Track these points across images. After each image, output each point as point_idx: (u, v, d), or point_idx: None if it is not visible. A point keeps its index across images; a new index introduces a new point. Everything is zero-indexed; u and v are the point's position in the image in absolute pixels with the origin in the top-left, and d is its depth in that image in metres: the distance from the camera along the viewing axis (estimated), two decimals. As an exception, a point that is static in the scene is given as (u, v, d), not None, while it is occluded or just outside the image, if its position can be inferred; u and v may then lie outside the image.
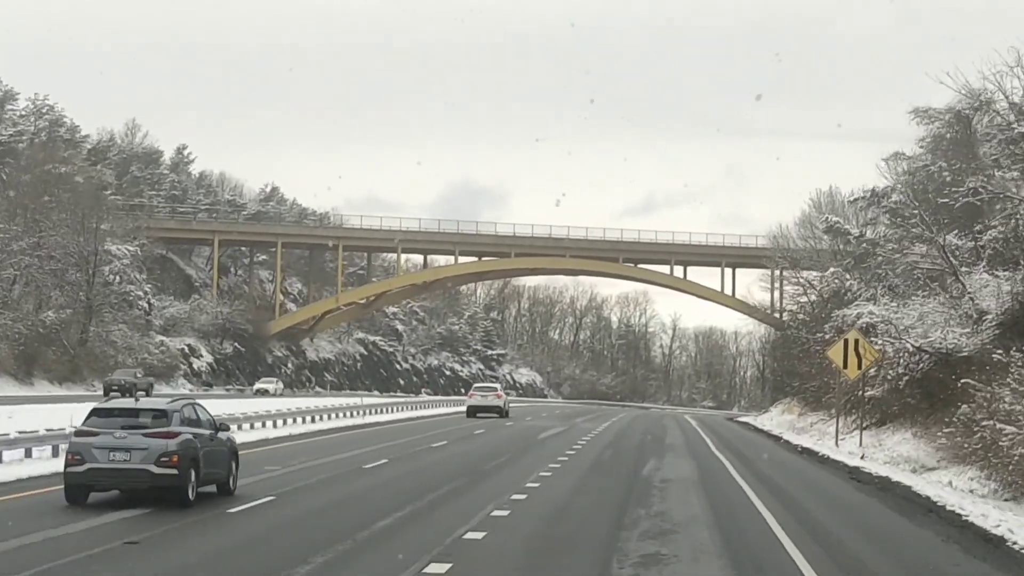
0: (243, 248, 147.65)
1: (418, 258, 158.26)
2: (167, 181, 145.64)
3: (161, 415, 24.85)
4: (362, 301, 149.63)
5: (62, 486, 24.79)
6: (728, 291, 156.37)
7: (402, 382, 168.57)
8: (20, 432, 33.96)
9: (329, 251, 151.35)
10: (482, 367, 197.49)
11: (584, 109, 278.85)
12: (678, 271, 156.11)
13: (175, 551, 19.55)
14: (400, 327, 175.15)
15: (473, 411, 72.74)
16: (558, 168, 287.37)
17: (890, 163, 70.96)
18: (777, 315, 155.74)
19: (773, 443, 57.68)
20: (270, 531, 22.07)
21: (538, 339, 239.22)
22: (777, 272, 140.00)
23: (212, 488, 26.27)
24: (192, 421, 25.57)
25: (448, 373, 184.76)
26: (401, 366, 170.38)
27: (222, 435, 26.70)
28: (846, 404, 52.44)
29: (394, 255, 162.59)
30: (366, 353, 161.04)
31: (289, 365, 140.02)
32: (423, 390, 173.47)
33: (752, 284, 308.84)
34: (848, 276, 78.28)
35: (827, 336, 63.23)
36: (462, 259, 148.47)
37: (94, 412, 25.29)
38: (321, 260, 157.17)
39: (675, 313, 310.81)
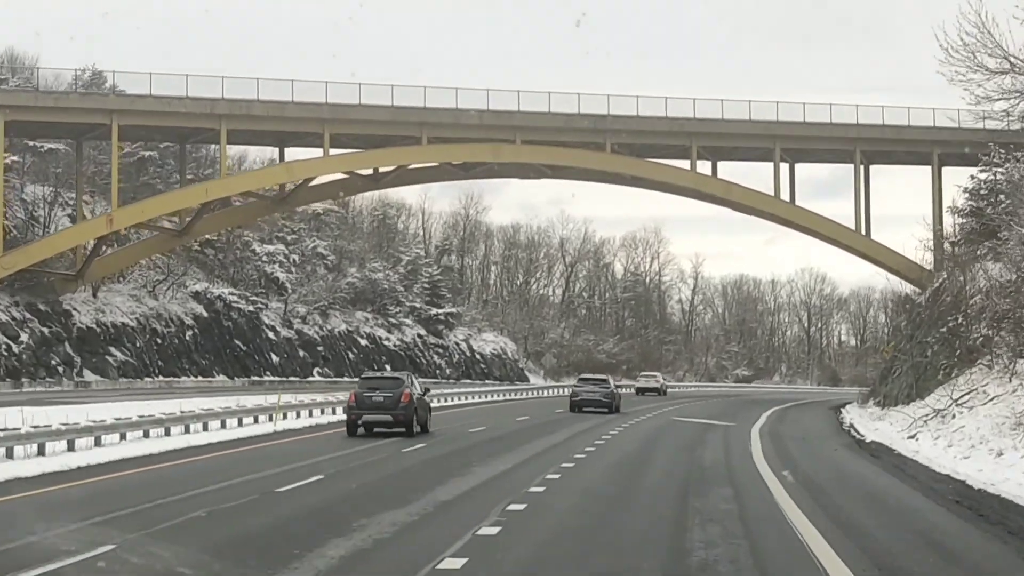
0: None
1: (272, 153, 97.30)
2: None
3: None
4: (171, 224, 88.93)
5: None
6: (785, 197, 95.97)
7: (275, 359, 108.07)
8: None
9: (129, 145, 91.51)
10: (422, 332, 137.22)
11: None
12: (704, 167, 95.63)
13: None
14: (281, 274, 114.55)
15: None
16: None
17: None
18: (860, 231, 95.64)
19: None
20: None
21: (516, 294, 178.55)
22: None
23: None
24: None
25: (364, 342, 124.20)
26: (277, 334, 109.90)
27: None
28: None
29: (239, 149, 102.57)
30: (208, 315, 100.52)
31: (22, 337, 79.38)
32: (315, 371, 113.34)
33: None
34: None
35: None
36: (338, 152, 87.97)
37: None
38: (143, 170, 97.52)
39: (696, 256, 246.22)
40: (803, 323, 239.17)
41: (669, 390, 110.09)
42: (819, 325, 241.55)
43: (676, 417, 54.78)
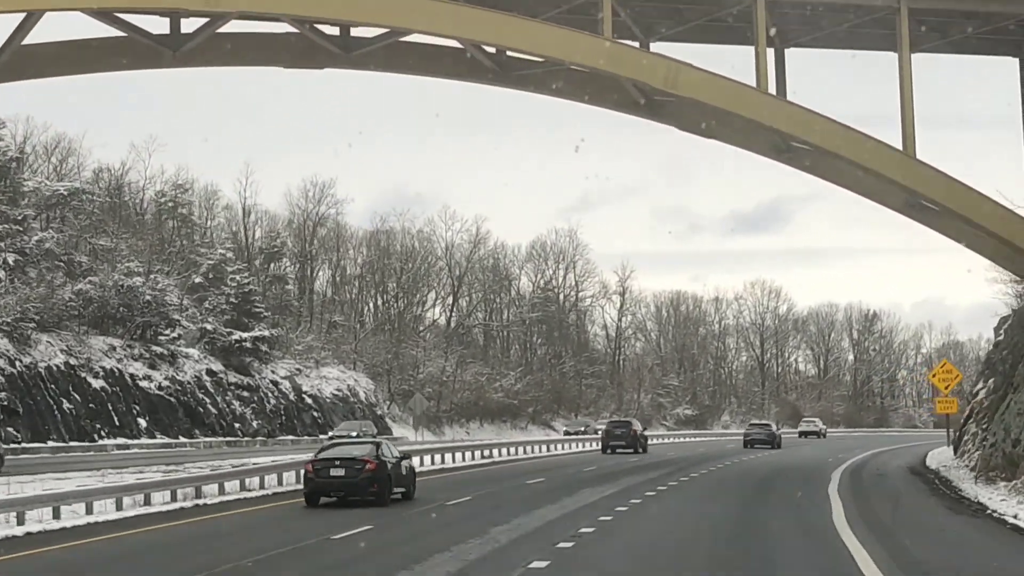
0: None
1: None
2: None
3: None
4: None
5: None
6: (773, 89, 52.05)
7: None
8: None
9: None
10: (217, 367, 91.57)
11: None
12: (665, 47, 51.66)
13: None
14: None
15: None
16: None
17: None
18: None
19: None
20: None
21: (380, 314, 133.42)
22: None
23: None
24: None
25: (99, 384, 78.06)
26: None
27: None
28: None
29: None
30: None
31: None
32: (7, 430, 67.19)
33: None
34: None
35: None
36: None
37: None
38: None
39: (623, 267, 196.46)
40: (755, 349, 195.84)
41: (828, 433, 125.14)
42: (773, 352, 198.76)
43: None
